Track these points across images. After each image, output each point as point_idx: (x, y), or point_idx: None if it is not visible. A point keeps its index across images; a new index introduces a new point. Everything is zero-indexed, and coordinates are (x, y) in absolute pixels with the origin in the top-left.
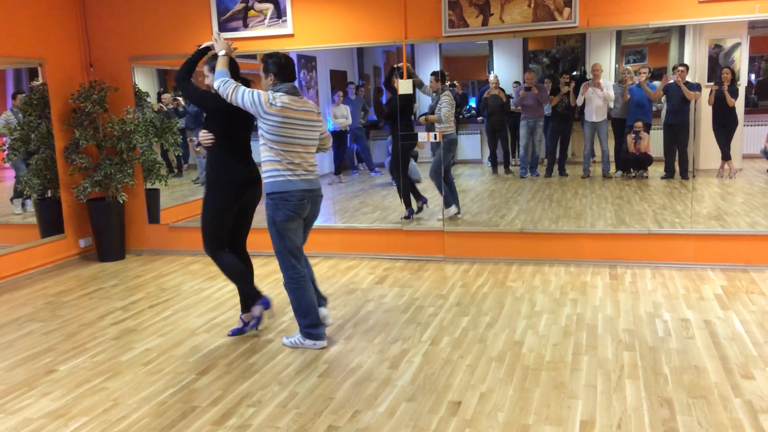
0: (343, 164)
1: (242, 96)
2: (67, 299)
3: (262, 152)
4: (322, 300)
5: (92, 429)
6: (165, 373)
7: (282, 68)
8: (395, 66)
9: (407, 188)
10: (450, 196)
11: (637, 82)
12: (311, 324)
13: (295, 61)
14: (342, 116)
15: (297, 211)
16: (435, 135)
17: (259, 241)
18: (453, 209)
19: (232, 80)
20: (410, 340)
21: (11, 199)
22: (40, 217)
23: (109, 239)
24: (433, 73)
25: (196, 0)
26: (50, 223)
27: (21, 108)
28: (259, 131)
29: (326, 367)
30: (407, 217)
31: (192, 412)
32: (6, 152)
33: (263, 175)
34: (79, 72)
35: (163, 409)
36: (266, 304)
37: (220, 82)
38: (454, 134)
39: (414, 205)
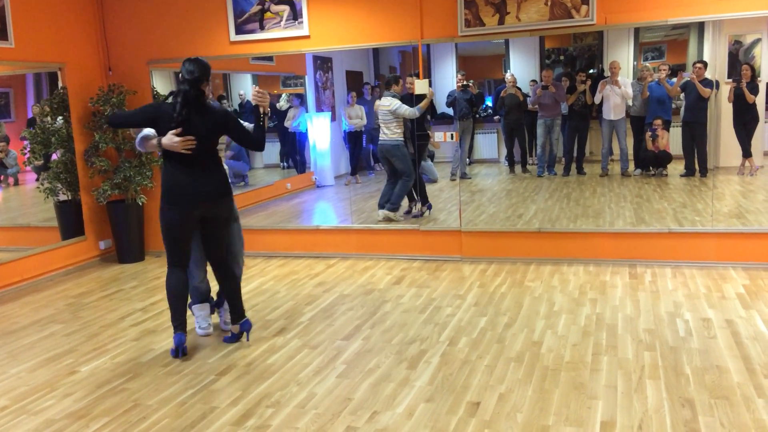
0: (359, 165)
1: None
2: (88, 301)
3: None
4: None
5: (113, 430)
6: (185, 374)
7: None
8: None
9: (421, 186)
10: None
11: (657, 79)
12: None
13: (311, 62)
14: (357, 117)
15: None
16: (452, 135)
17: (276, 242)
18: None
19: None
20: (428, 340)
21: None
22: (60, 219)
23: (128, 241)
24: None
25: (213, 3)
26: (71, 225)
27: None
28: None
29: (344, 367)
30: (407, 213)
31: (211, 413)
32: (27, 156)
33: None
34: (98, 76)
35: (183, 410)
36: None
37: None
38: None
39: (416, 207)
